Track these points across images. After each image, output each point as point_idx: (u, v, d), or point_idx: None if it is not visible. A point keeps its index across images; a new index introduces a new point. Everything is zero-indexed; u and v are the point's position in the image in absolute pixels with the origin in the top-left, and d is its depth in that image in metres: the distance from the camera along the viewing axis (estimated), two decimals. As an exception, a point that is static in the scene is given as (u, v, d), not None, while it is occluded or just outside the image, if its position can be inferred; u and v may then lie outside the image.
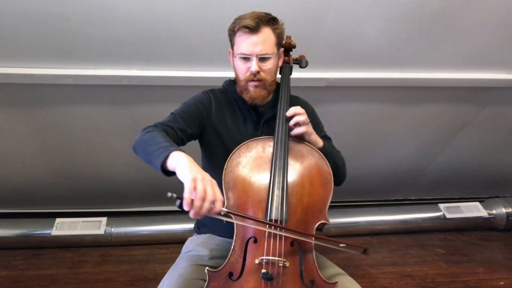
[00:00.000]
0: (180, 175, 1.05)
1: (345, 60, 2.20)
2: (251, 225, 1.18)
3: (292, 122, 1.30)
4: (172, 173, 1.10)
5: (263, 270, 1.12)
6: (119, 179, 2.75)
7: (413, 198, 3.44)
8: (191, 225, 2.70)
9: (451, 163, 3.07)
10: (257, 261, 1.15)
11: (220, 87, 1.49)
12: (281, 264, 1.14)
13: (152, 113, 2.33)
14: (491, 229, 3.17)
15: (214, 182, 1.06)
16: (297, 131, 1.29)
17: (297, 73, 2.16)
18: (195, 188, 1.00)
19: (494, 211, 3.13)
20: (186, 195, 1.00)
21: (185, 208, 1.00)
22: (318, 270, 1.18)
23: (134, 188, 2.83)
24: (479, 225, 3.15)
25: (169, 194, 1.01)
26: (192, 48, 2.03)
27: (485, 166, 3.16)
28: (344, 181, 1.48)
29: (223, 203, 1.06)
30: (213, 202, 1.02)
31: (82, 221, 2.71)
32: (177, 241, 2.60)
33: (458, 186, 3.35)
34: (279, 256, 1.15)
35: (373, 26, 2.04)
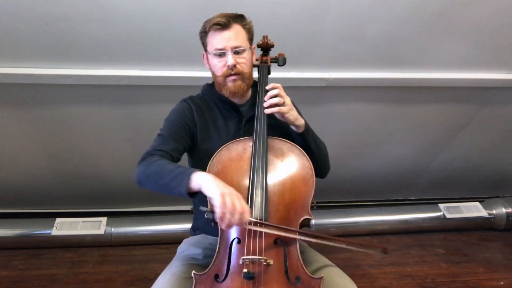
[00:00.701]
0: (208, 192, 1.11)
1: (345, 60, 2.20)
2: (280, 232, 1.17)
3: (267, 97, 1.31)
4: (195, 194, 1.15)
5: (244, 270, 1.12)
6: (119, 179, 2.75)
7: (413, 198, 3.44)
8: (191, 225, 2.71)
9: (451, 163, 3.07)
10: (240, 262, 1.15)
11: (198, 93, 1.50)
12: (264, 263, 1.14)
13: (152, 113, 2.34)
14: (491, 229, 3.17)
15: (240, 195, 1.11)
16: (273, 102, 1.29)
17: (297, 73, 2.18)
18: (224, 203, 1.06)
19: (494, 211, 3.13)
20: (218, 209, 1.07)
21: (218, 221, 1.08)
22: (304, 266, 1.17)
23: (134, 188, 2.79)
24: (479, 225, 3.15)
25: (202, 208, 1.11)
26: (192, 48, 2.02)
27: (485, 166, 3.16)
28: (328, 173, 1.46)
29: (250, 214, 1.11)
30: (241, 214, 1.08)
31: (82, 221, 2.71)
32: (177, 241, 2.56)
33: (458, 186, 3.35)
34: (260, 254, 1.15)
35: (373, 26, 2.04)
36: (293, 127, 1.35)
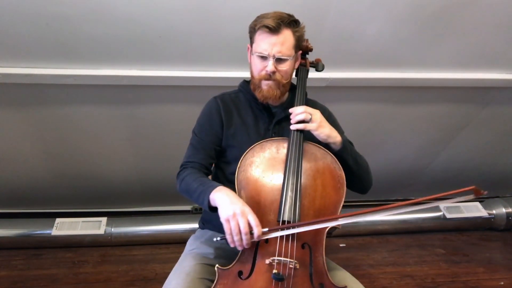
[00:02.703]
0: (220, 218, 1.16)
1: (345, 60, 2.20)
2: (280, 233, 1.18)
3: (293, 120, 1.30)
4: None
5: (274, 271, 1.14)
6: (119, 179, 2.75)
7: (413, 198, 3.43)
8: (191, 225, 2.71)
9: (451, 163, 3.07)
10: (267, 262, 1.16)
11: (234, 89, 1.50)
12: (292, 266, 1.15)
13: (152, 113, 2.34)
14: (491, 229, 3.17)
15: (247, 210, 1.13)
16: (299, 118, 1.29)
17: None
18: (229, 229, 1.12)
19: (494, 211, 3.13)
20: (227, 236, 1.14)
21: (231, 246, 1.15)
22: (328, 274, 1.19)
23: (134, 188, 2.83)
24: (479, 225, 3.15)
25: (215, 239, 1.23)
26: (192, 48, 2.03)
27: (485, 166, 3.16)
28: (369, 189, 1.47)
29: (261, 227, 1.13)
30: (247, 234, 1.11)
31: (82, 221, 2.71)
32: (177, 241, 2.60)
33: (458, 186, 3.34)
34: (291, 257, 1.16)
35: (373, 26, 2.04)
36: (330, 145, 1.33)
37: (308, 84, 2.31)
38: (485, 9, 2.00)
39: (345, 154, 1.34)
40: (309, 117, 1.28)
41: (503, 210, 3.12)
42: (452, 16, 2.03)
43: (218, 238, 1.20)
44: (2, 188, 2.67)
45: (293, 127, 1.29)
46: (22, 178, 2.63)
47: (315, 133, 1.29)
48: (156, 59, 2.05)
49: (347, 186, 1.36)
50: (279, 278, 1.12)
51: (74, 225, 2.68)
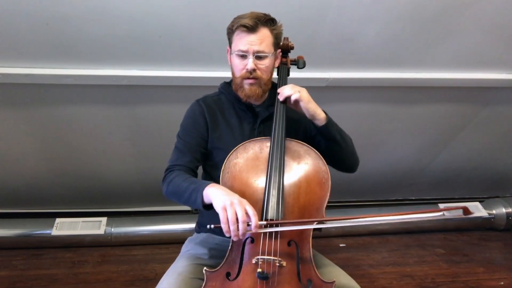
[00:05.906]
0: (215, 207, 1.12)
1: (345, 60, 2.20)
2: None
3: (281, 98, 1.34)
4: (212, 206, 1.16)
5: (259, 270, 1.13)
6: (119, 179, 2.75)
7: (413, 198, 3.44)
8: (191, 225, 2.71)
9: (451, 163, 3.07)
10: (253, 261, 1.16)
11: (215, 91, 1.50)
12: (277, 264, 1.15)
13: (152, 113, 2.34)
14: (491, 229, 3.17)
15: (244, 201, 1.11)
16: (286, 93, 1.32)
17: (297, 73, 2.17)
18: (226, 217, 1.08)
19: (494, 211, 3.13)
20: (222, 225, 1.09)
21: (226, 235, 1.10)
22: (316, 270, 1.18)
23: (134, 188, 2.83)
24: (479, 225, 3.15)
25: (209, 226, 1.16)
26: (192, 48, 2.03)
27: (485, 166, 3.16)
28: (358, 166, 1.45)
29: (258, 218, 1.10)
30: (244, 223, 1.08)
31: (82, 221, 2.71)
32: (177, 241, 2.58)
33: (458, 186, 3.35)
34: (275, 255, 1.16)
35: (373, 26, 2.04)
36: (315, 121, 1.34)
37: (307, 84, 2.31)
38: (485, 9, 2.00)
39: (332, 129, 1.35)
40: (298, 94, 1.30)
41: (503, 210, 3.12)
42: (452, 16, 2.03)
43: (212, 226, 1.16)
44: (2, 188, 2.67)
45: (284, 94, 1.32)
46: (22, 178, 2.63)
47: (304, 106, 1.31)
48: (156, 59, 2.05)
49: (337, 167, 1.38)
50: (263, 276, 1.12)
51: (74, 225, 2.68)
